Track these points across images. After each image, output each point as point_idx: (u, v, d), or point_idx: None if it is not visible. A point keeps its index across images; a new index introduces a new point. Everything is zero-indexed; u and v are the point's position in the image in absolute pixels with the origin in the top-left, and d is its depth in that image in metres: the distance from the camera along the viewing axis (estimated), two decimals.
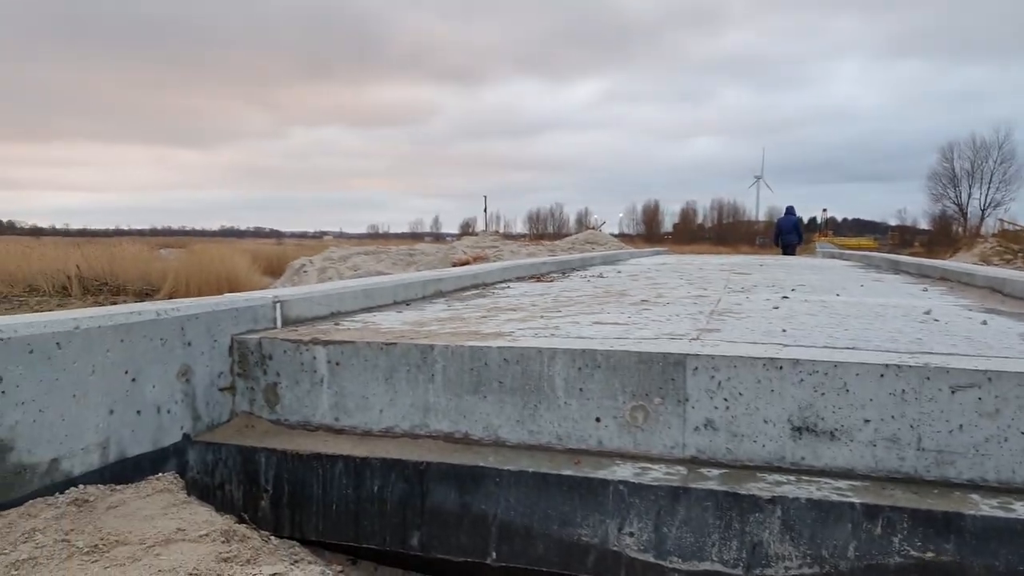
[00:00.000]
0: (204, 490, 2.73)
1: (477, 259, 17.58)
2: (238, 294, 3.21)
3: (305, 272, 16.67)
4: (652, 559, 2.25)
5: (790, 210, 19.55)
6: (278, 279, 29.45)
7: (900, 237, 71.01)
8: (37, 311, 18.65)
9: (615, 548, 2.30)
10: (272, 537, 2.36)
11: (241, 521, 2.45)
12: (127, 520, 2.08)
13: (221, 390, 2.89)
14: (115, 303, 20.55)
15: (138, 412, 2.50)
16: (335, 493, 2.67)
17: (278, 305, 3.19)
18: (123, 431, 2.44)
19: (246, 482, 2.73)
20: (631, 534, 2.28)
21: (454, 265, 17.32)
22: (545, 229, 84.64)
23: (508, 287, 5.76)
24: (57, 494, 2.18)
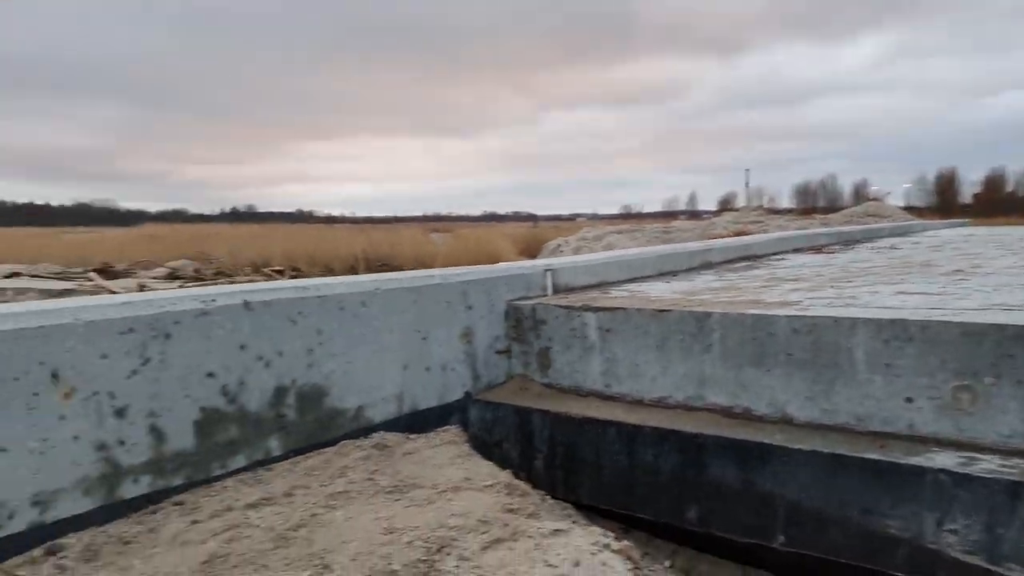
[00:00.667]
0: (483, 446, 2.86)
1: (738, 235, 16.76)
2: (512, 263, 3.31)
3: (560, 252, 17.14)
4: (983, 563, 1.90)
5: None
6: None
7: None
8: None
9: (933, 545, 1.98)
10: (547, 497, 2.39)
11: (518, 478, 2.52)
12: (420, 466, 2.23)
13: (497, 352, 3.00)
14: None
15: (427, 369, 2.67)
16: (607, 459, 2.64)
17: (549, 273, 3.24)
18: (415, 386, 2.62)
19: (522, 441, 2.80)
20: (954, 531, 1.95)
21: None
22: (815, 203, 78.05)
23: (783, 259, 5.35)
24: (362, 438, 2.40)
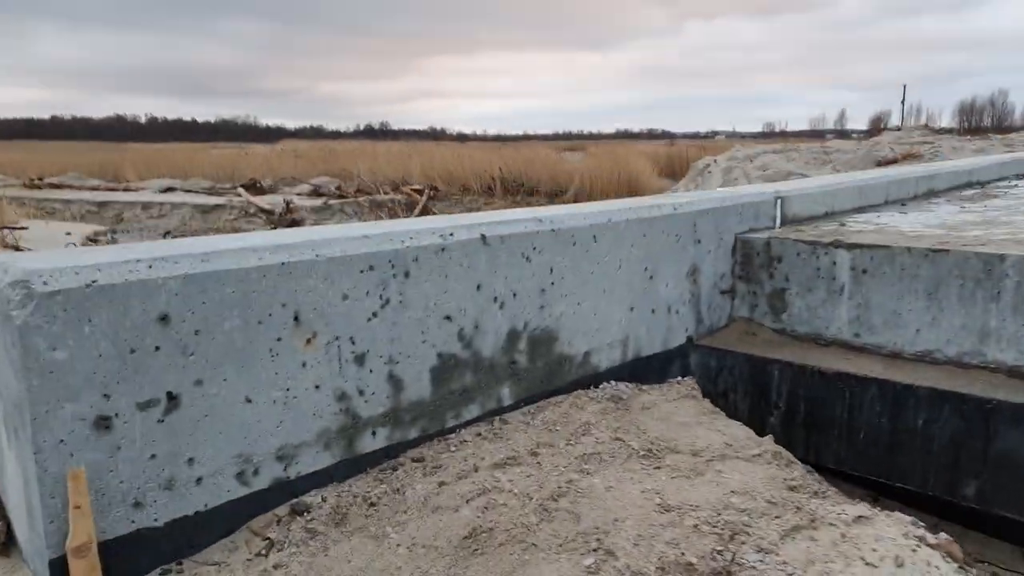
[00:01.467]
0: (706, 397, 2.57)
1: (907, 157, 15.16)
2: (740, 189, 2.89)
3: (709, 173, 16.21)
4: None
5: None
6: (678, 182, 29.46)
7: None
8: (470, 209, 21.48)
9: None
10: (812, 470, 2.08)
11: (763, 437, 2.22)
12: (665, 424, 1.97)
13: (722, 293, 2.66)
14: (529, 203, 22.69)
15: (652, 311, 2.38)
16: (863, 419, 2.28)
17: (779, 202, 2.82)
18: (639, 329, 2.35)
19: (754, 394, 2.48)
20: None
21: (879, 164, 15.18)
22: (980, 122, 69.93)
23: (1015, 185, 4.59)
24: (592, 388, 2.17)
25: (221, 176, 24.70)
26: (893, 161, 14.99)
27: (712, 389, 2.56)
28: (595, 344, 2.20)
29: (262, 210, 17.37)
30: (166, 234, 16.15)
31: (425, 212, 19.14)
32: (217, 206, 17.69)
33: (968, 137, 19.38)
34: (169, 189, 21.20)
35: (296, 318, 1.54)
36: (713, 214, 2.53)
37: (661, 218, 2.34)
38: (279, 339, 1.52)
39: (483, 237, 1.84)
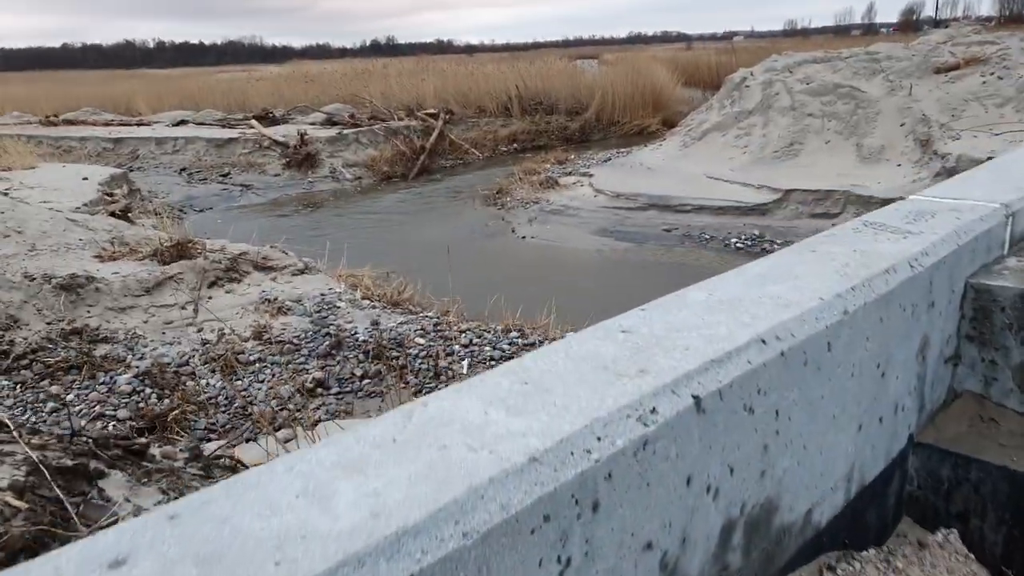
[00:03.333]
0: (925, 516, 1.87)
1: (970, 62, 13.87)
2: (958, 202, 2.06)
3: (747, 87, 15.00)
4: None
5: None
6: (702, 92, 27.86)
7: None
8: (487, 133, 20.39)
9: None
10: None
11: None
12: None
13: (946, 361, 1.91)
14: (548, 123, 21.50)
15: (880, 420, 1.65)
16: None
17: (1010, 220, 2.03)
18: (865, 451, 1.62)
19: (1016, 525, 1.77)
20: None
21: (937, 71, 13.92)
22: (1021, 10, 66.09)
23: None
24: (802, 566, 1.47)
25: (232, 105, 23.70)
26: (955, 67, 13.72)
27: (940, 506, 1.86)
28: (817, 496, 1.48)
29: (276, 142, 16.51)
30: (182, 170, 15.47)
31: (442, 138, 18.15)
32: (231, 140, 16.89)
33: None
34: (182, 122, 20.31)
35: None
36: (950, 261, 1.75)
37: (898, 288, 1.56)
38: None
39: (696, 402, 1.10)
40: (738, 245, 9.35)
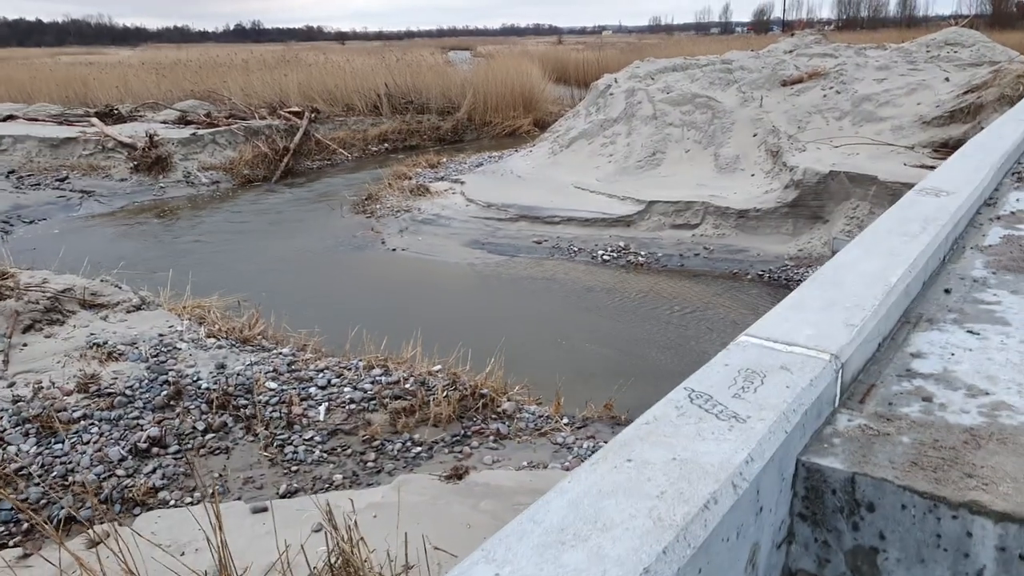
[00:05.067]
0: None
1: (812, 76, 14.81)
2: (792, 360, 1.84)
3: (611, 95, 15.33)
4: None
5: None
6: (572, 89, 28.20)
7: None
8: (356, 133, 19.76)
9: None
10: None
11: None
12: None
13: (778, 547, 1.84)
14: (420, 123, 21.15)
15: None
16: None
17: (840, 371, 1.90)
18: None
19: None
20: None
21: (784, 84, 14.76)
22: (857, 13, 71.66)
23: None
24: None
25: (71, 98, 21.63)
26: (799, 80, 14.61)
27: None
28: None
29: (122, 144, 15.19)
30: (10, 173, 13.84)
31: (307, 138, 17.42)
32: (69, 139, 15.35)
33: (865, 46, 19.17)
34: (9, 117, 18.23)
35: None
36: (779, 455, 1.60)
37: (719, 524, 1.35)
38: None
39: None
40: (605, 257, 9.50)
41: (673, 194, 10.60)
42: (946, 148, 10.04)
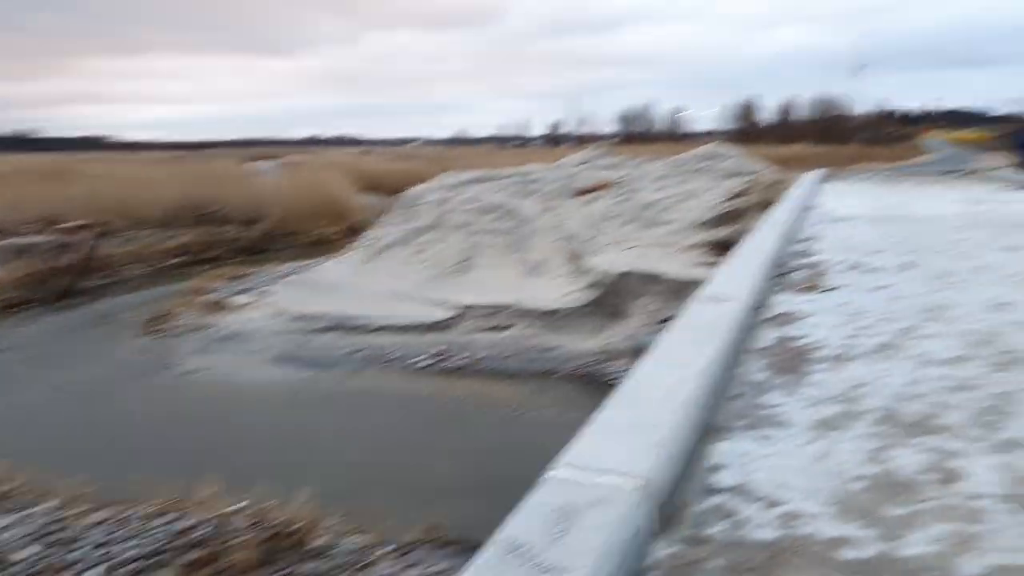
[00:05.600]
0: None
1: (601, 187, 16.14)
2: (607, 495, 1.73)
3: (423, 204, 15.64)
4: None
5: None
6: (382, 198, 28.46)
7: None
8: (152, 247, 18.43)
9: None
10: None
11: None
12: None
13: None
14: (222, 234, 20.20)
15: None
16: None
17: (651, 499, 1.80)
18: None
19: None
20: None
21: (577, 195, 15.91)
22: (634, 128, 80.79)
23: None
24: None
25: None
26: (591, 190, 15.84)
27: None
28: None
29: None
30: None
31: (92, 253, 15.91)
32: None
33: (642, 160, 21.39)
34: None
35: None
36: None
37: None
38: None
39: None
40: (421, 365, 9.36)
41: (486, 298, 10.82)
42: (719, 247, 11.21)
